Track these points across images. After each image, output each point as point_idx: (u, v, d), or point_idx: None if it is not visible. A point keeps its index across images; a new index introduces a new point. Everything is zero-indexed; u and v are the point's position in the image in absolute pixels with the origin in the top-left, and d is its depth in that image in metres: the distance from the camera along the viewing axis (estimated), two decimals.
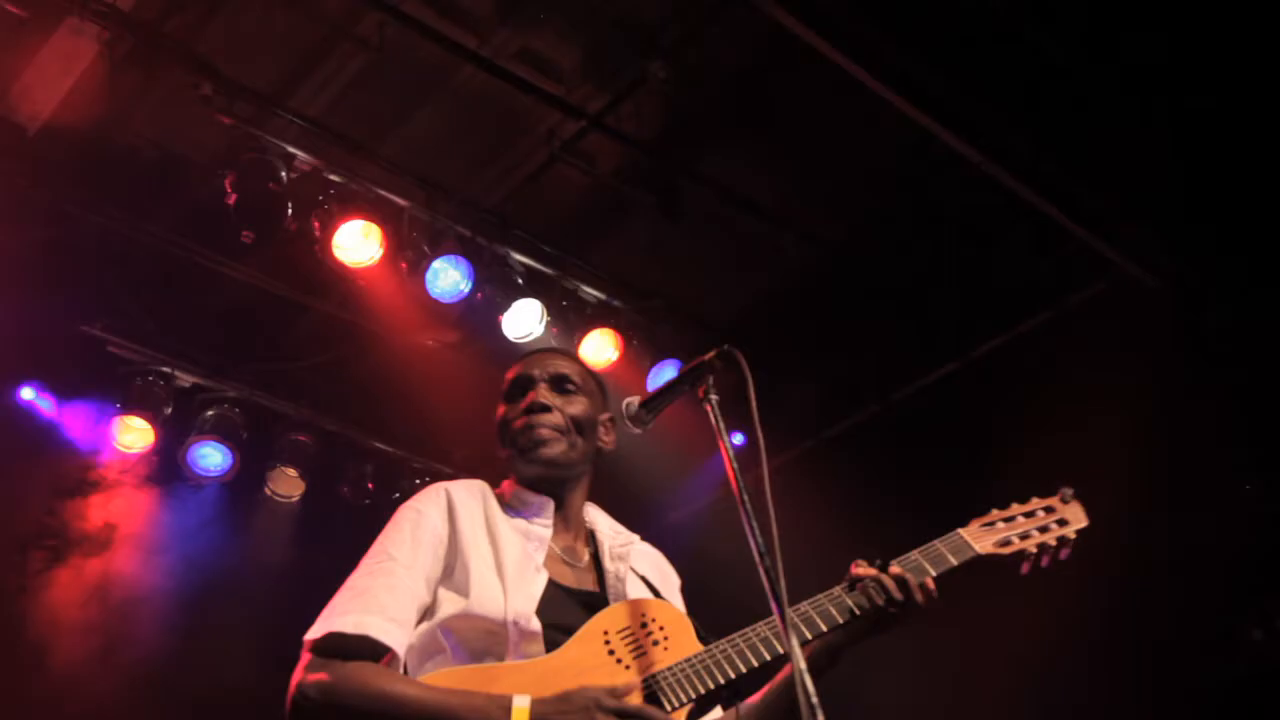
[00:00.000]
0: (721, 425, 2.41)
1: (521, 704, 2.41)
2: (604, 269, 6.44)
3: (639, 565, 2.94)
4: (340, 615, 2.58)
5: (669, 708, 2.53)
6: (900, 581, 2.71)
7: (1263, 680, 6.23)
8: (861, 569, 2.75)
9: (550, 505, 2.87)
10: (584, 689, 2.45)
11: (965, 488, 6.69)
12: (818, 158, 5.96)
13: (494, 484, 2.96)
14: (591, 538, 2.96)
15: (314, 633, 2.57)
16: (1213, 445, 6.25)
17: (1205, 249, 5.96)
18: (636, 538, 3.02)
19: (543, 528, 2.83)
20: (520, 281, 6.03)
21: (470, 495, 2.87)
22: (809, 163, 6.01)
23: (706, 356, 2.52)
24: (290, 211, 5.33)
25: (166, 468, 6.27)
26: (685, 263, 6.54)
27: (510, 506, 2.89)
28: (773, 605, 2.16)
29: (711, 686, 2.57)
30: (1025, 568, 2.92)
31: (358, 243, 5.58)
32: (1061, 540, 2.93)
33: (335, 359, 6.50)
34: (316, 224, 5.46)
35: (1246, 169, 5.49)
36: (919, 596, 2.72)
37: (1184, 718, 5.43)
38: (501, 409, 2.98)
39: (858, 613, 2.69)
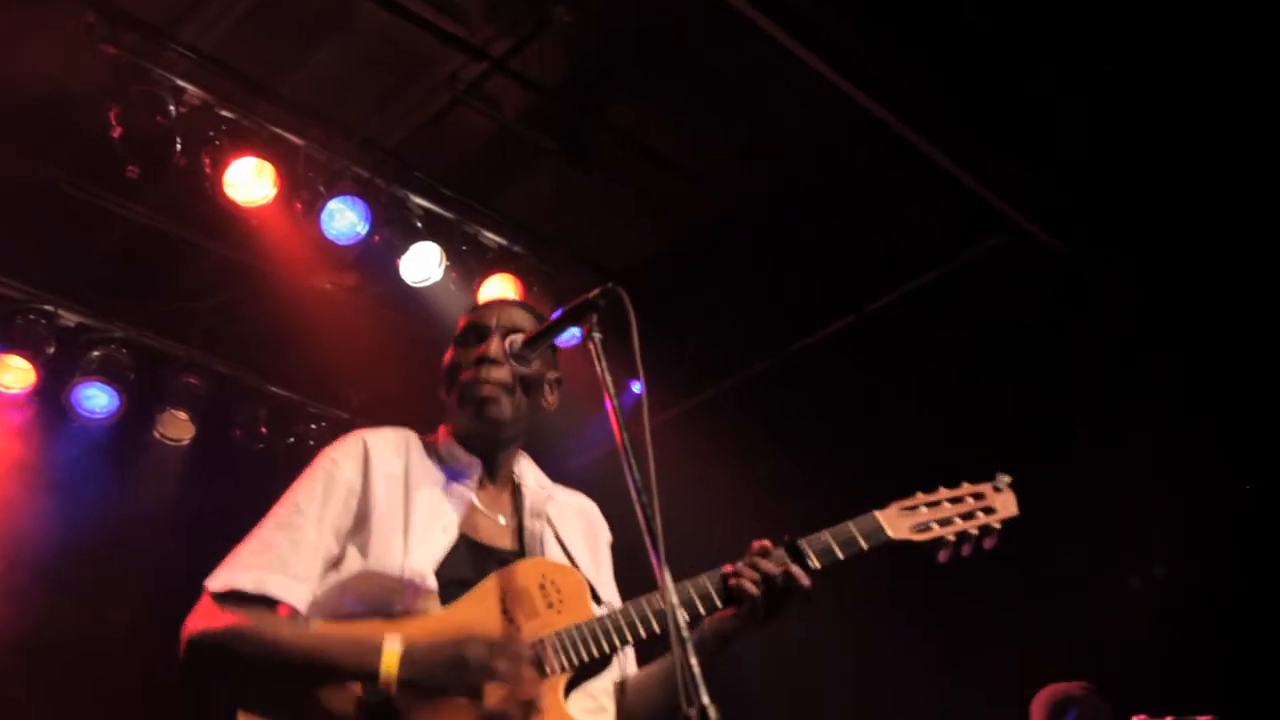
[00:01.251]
0: (604, 364, 2.39)
1: (393, 646, 2.40)
2: (505, 214, 6.37)
3: (564, 523, 2.90)
4: (243, 570, 2.55)
5: (549, 672, 2.50)
6: (785, 573, 2.62)
7: (1141, 627, 6.45)
8: (758, 557, 2.66)
9: (479, 466, 2.82)
10: (461, 639, 2.44)
11: (861, 441, 6.87)
12: (722, 108, 5.94)
13: (422, 427, 2.89)
14: (517, 492, 2.90)
15: (214, 584, 2.55)
16: (1100, 402, 6.42)
17: (1103, 210, 6.08)
18: (557, 490, 2.98)
19: (466, 488, 2.77)
20: (419, 225, 5.94)
21: (391, 448, 2.79)
22: (713, 113, 5.98)
23: (590, 295, 2.50)
24: (179, 147, 5.17)
25: (49, 409, 6.10)
26: (588, 210, 6.49)
27: (440, 459, 2.82)
28: (653, 559, 2.10)
29: (595, 655, 2.55)
30: (944, 555, 2.83)
31: (250, 181, 5.45)
32: (985, 529, 2.84)
33: (228, 300, 6.35)
34: (207, 161, 5.32)
35: (1145, 133, 5.60)
36: (804, 583, 2.63)
37: (1067, 663, 5.58)
38: (451, 352, 2.89)
39: (740, 599, 2.61)
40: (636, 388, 2.21)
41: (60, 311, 6.05)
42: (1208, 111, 5.38)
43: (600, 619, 2.60)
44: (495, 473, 2.87)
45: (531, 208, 6.46)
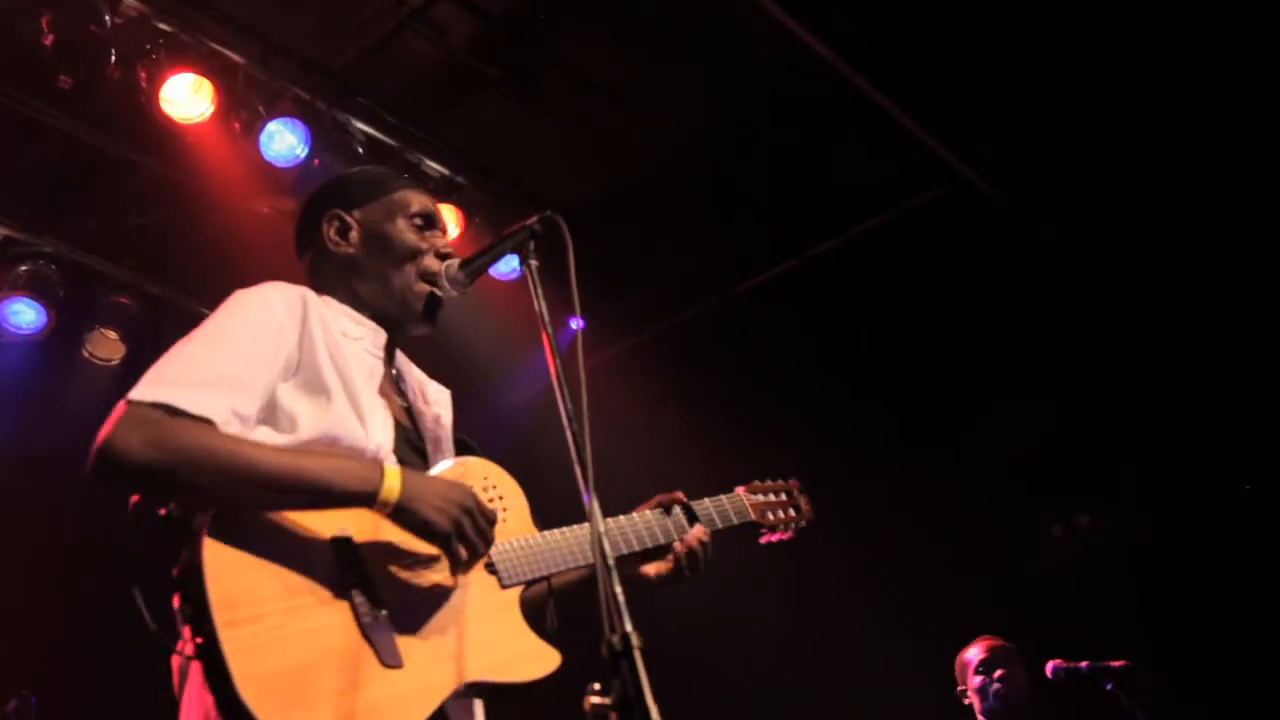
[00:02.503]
0: (539, 291, 2.37)
1: (393, 466, 2.36)
2: (449, 144, 6.29)
3: (445, 411, 2.83)
4: (178, 387, 2.24)
5: (505, 582, 2.53)
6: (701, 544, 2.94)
7: (1063, 575, 6.60)
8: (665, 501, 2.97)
9: (384, 338, 2.72)
10: (460, 484, 2.43)
11: (797, 384, 6.92)
12: (672, 47, 5.89)
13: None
14: (398, 373, 2.83)
15: (141, 395, 2.23)
16: (1035, 350, 6.52)
17: (1044, 161, 6.13)
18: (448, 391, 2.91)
19: (375, 358, 2.65)
20: (360, 151, 5.83)
21: (316, 303, 2.57)
22: (662, 52, 5.93)
23: (529, 221, 2.48)
24: (114, 59, 5.03)
25: None
26: (533, 144, 6.43)
27: (347, 325, 2.65)
28: (581, 486, 2.09)
29: (545, 573, 2.59)
30: (765, 539, 3.23)
31: (187, 97, 5.31)
32: (794, 524, 3.26)
33: (162, 219, 6.21)
34: (143, 75, 5.17)
35: (1087, 86, 5.65)
36: (703, 555, 2.94)
37: (991, 612, 5.71)
38: (407, 230, 2.77)
39: (662, 541, 2.89)
40: (575, 324, 2.19)
41: None
42: (1148, 61, 5.44)
43: (546, 538, 2.64)
44: (389, 353, 2.79)
45: (475, 139, 6.38)
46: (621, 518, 2.85)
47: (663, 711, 1.78)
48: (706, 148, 6.35)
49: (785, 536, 3.24)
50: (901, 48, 5.66)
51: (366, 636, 2.25)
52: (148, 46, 5.19)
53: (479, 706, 2.56)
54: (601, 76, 6.03)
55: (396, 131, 6.07)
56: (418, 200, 2.85)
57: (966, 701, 5.20)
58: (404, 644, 2.30)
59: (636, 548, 2.84)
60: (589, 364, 2.13)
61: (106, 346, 6.29)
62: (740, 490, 3.20)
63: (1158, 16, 5.24)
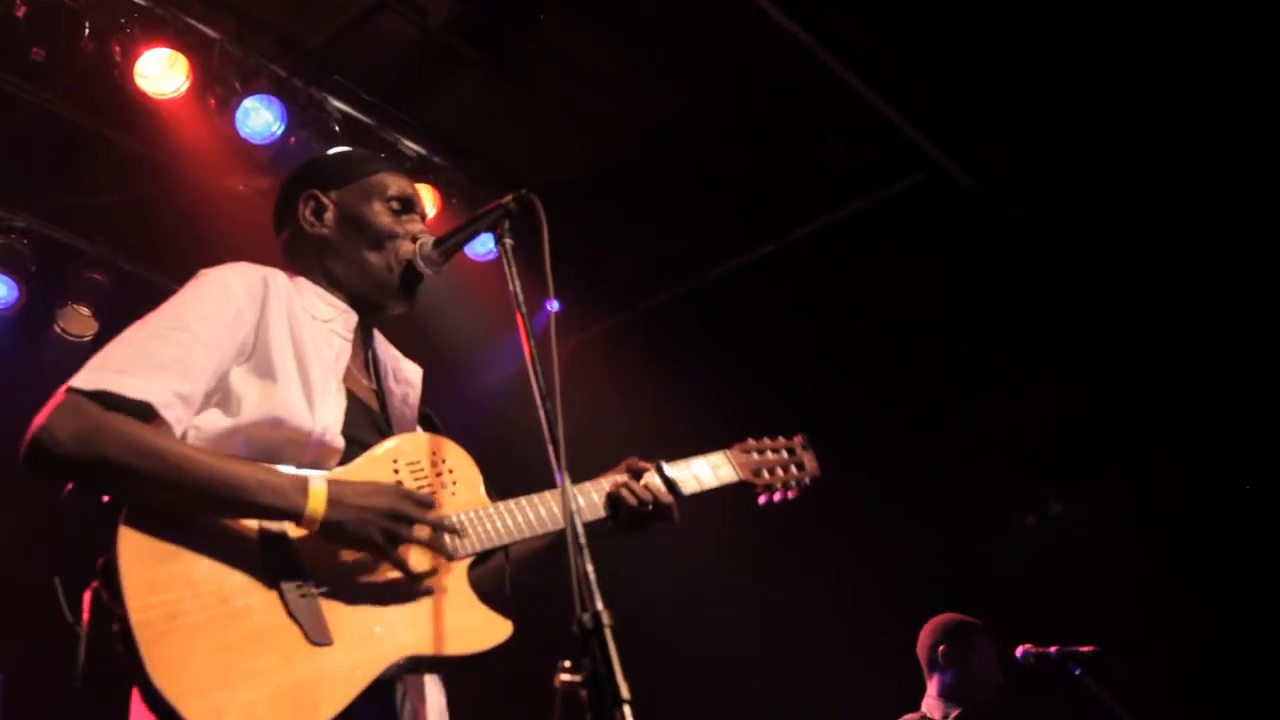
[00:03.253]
0: (514, 269, 2.37)
1: (319, 485, 2.31)
2: (427, 124, 6.25)
3: (415, 392, 2.83)
4: (119, 374, 2.26)
5: (453, 553, 2.48)
6: (664, 489, 2.86)
7: (1035, 563, 6.65)
8: (634, 467, 2.88)
9: (355, 320, 2.72)
10: (385, 486, 2.39)
11: (771, 370, 6.94)
12: (654, 30, 5.87)
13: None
14: (373, 355, 2.81)
15: (81, 383, 2.24)
16: (1006, 340, 6.55)
17: (1023, 152, 6.15)
18: (400, 356, 2.90)
19: (343, 340, 2.65)
20: (337, 129, 5.80)
21: (279, 285, 2.59)
22: (644, 35, 5.92)
23: (504, 200, 2.47)
24: (87, 32, 4.98)
25: None
26: (511, 125, 6.39)
27: (314, 305, 2.66)
28: (554, 463, 2.09)
29: (493, 545, 2.55)
30: (764, 499, 3.12)
31: (162, 72, 5.26)
32: (797, 482, 3.16)
33: (136, 196, 6.15)
34: (117, 49, 5.12)
35: (1068, 75, 5.66)
36: (673, 508, 2.86)
37: (962, 596, 5.74)
38: (383, 213, 2.76)
39: (618, 510, 2.79)
40: (551, 307, 2.18)
41: None
42: (1131, 50, 5.46)
43: (498, 509, 2.60)
44: (364, 333, 2.79)
45: (453, 119, 6.34)
46: (587, 484, 2.80)
47: (632, 689, 1.78)
48: (685, 130, 6.34)
49: (790, 495, 3.14)
50: (882, 34, 5.66)
51: (292, 615, 2.23)
52: (122, 20, 5.14)
53: (435, 683, 2.56)
54: (581, 58, 6.02)
55: (374, 110, 6.02)
56: (395, 184, 2.84)
57: (939, 663, 5.18)
58: (337, 621, 2.28)
59: (589, 517, 2.75)
60: (564, 346, 2.13)
61: (79, 323, 6.24)
62: (735, 448, 3.12)
63: (1140, 5, 5.25)
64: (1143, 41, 5.40)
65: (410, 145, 6.16)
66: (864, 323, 6.77)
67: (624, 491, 2.78)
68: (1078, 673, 4.76)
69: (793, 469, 3.17)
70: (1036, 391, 6.46)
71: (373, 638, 2.30)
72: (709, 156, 6.46)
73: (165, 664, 2.09)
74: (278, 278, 2.62)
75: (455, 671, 2.49)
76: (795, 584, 6.72)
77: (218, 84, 5.44)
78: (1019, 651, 4.94)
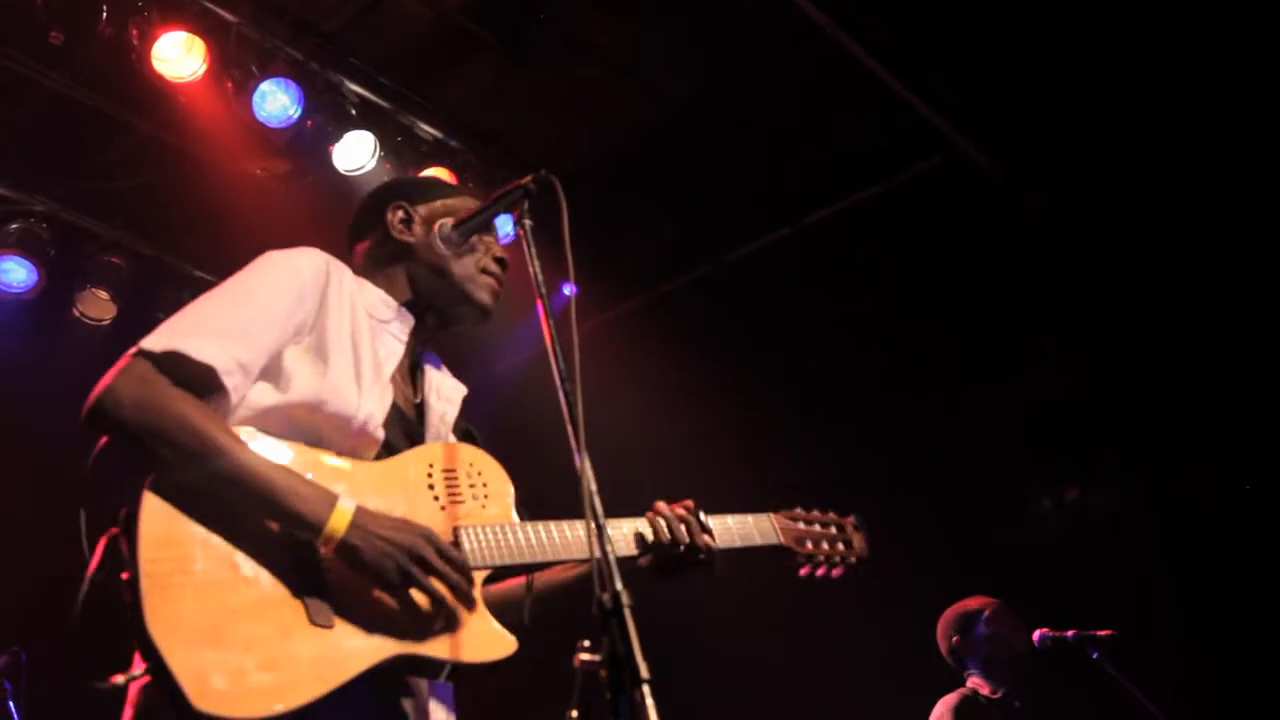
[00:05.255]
0: (533, 251, 2.36)
1: (346, 506, 2.31)
2: (443, 107, 6.26)
3: (455, 409, 2.84)
4: (187, 336, 2.33)
5: (471, 564, 2.46)
6: (696, 531, 2.75)
7: (1051, 547, 6.63)
8: (681, 521, 2.77)
9: (412, 324, 2.75)
10: (416, 526, 2.37)
11: (789, 355, 6.92)
12: (669, 13, 5.86)
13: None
14: (419, 367, 2.84)
15: (151, 344, 2.33)
16: (1027, 320, 6.53)
17: (1037, 133, 6.12)
18: (447, 374, 2.92)
19: (397, 341, 2.69)
20: (353, 113, 5.81)
21: (344, 276, 2.65)
22: (660, 17, 5.90)
23: (523, 181, 2.47)
24: (105, 15, 4.99)
25: None
26: (527, 108, 6.39)
27: (373, 304, 2.70)
28: (573, 445, 2.07)
29: (515, 563, 2.54)
30: (805, 571, 3.05)
31: (180, 56, 5.28)
32: (843, 559, 3.08)
33: (154, 180, 6.17)
34: (135, 32, 5.14)
35: (1084, 58, 5.63)
36: (712, 551, 2.76)
37: (979, 581, 5.73)
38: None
39: (647, 541, 2.73)
40: (568, 290, 2.17)
41: None
42: (1143, 33, 5.43)
43: (523, 527, 2.58)
44: (416, 344, 2.81)
45: (469, 103, 6.35)
46: (618, 520, 2.72)
47: (651, 670, 1.79)
48: (702, 113, 6.32)
49: (834, 574, 3.05)
50: (898, 17, 5.63)
51: (298, 595, 2.25)
52: (139, 4, 5.16)
53: (443, 710, 2.53)
54: (597, 41, 6.00)
55: (390, 94, 6.03)
56: (465, 201, 2.90)
57: (959, 655, 5.18)
58: (342, 608, 2.29)
59: (634, 550, 2.71)
60: (582, 329, 2.13)
61: (97, 306, 6.27)
62: (780, 514, 3.04)
63: None
64: (1161, 22, 5.37)
65: (426, 129, 6.17)
66: (880, 306, 6.74)
67: (659, 523, 2.73)
68: (1095, 656, 4.76)
69: (840, 545, 3.09)
70: (1055, 374, 6.44)
71: (374, 629, 2.31)
72: (726, 140, 6.44)
73: (163, 615, 2.13)
74: (344, 270, 2.67)
75: (454, 679, 2.48)
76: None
77: (235, 67, 5.45)
78: (1036, 636, 4.93)
